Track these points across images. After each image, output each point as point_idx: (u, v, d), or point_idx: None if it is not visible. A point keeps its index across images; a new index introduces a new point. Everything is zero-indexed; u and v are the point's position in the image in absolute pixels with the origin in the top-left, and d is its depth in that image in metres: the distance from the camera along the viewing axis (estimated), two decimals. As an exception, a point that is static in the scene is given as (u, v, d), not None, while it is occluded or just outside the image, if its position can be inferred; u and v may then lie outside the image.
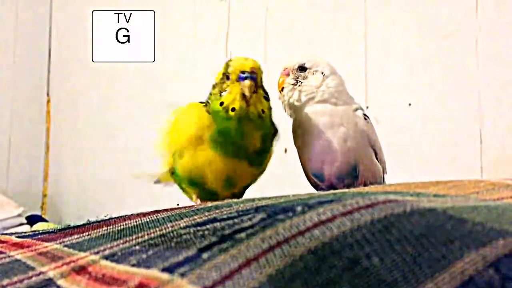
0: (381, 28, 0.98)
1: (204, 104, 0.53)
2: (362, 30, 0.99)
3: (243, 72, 0.49)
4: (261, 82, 0.51)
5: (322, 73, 0.58)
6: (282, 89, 0.58)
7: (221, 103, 0.49)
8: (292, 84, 0.57)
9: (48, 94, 1.60)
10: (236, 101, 0.48)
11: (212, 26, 1.24)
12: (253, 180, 0.56)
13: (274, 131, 0.55)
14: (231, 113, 0.48)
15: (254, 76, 0.49)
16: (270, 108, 0.53)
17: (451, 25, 0.88)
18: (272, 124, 0.54)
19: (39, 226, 1.16)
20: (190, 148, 0.51)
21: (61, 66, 1.60)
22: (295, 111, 0.58)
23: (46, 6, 1.60)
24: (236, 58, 0.51)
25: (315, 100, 0.56)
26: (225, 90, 0.50)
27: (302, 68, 0.58)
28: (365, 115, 0.58)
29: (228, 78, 0.50)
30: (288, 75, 0.58)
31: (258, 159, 0.54)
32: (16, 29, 1.54)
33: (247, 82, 0.48)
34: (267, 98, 0.52)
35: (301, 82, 0.57)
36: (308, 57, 0.59)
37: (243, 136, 0.50)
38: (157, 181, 0.64)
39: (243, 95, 0.48)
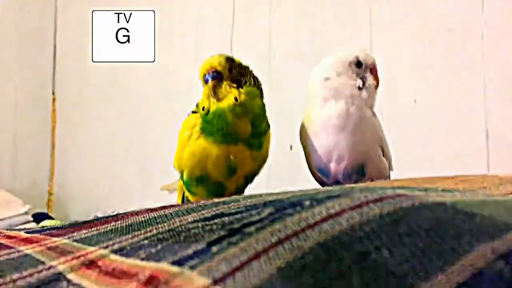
0: (385, 23, 0.97)
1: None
2: (367, 25, 0.99)
3: (205, 75, 0.54)
4: (229, 72, 0.54)
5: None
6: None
7: (197, 105, 0.56)
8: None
9: (53, 93, 1.60)
10: (205, 101, 0.54)
11: (215, 23, 1.24)
12: (256, 166, 0.57)
13: (264, 112, 0.56)
14: (202, 112, 0.54)
15: (214, 74, 0.53)
16: (249, 93, 0.54)
17: (456, 19, 0.88)
18: (262, 106, 0.56)
19: (46, 224, 1.17)
20: (188, 144, 0.55)
21: (66, 64, 1.60)
22: (318, 104, 0.56)
23: (50, 5, 1.61)
24: (202, 63, 0.56)
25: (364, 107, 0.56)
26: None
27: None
28: (373, 112, 0.58)
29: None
30: None
31: (257, 141, 0.55)
32: (21, 28, 1.54)
33: (209, 84, 0.53)
34: (238, 86, 0.54)
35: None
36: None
37: (228, 125, 0.53)
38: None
39: (210, 95, 0.54)
